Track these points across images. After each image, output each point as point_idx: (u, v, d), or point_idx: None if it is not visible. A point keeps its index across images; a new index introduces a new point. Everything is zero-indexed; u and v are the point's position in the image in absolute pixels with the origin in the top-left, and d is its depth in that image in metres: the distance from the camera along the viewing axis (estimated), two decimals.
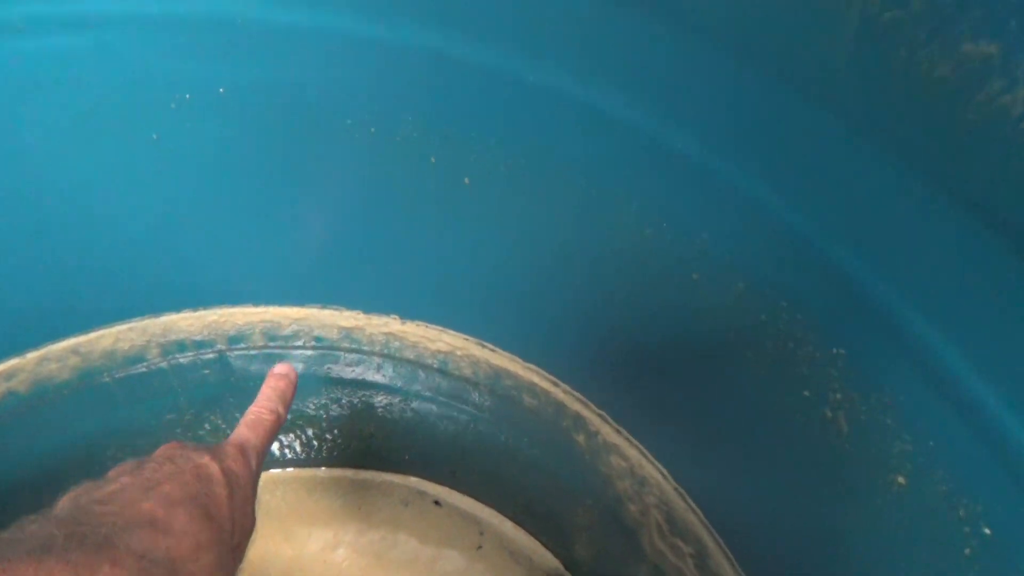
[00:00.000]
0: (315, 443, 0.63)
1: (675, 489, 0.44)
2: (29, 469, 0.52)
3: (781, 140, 0.27)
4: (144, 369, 0.49)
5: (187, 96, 0.34)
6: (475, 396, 0.54)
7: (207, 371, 0.51)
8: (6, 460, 0.50)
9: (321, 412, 0.60)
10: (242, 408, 0.58)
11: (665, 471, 0.44)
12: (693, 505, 0.44)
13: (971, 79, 0.22)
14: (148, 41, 0.30)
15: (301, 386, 0.58)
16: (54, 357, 0.45)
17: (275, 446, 0.62)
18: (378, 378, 0.56)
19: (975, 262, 0.24)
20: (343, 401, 0.59)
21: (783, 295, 0.30)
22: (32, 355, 0.45)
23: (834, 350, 0.29)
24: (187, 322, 0.48)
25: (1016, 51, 0.21)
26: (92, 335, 0.46)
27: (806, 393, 0.32)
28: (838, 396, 0.30)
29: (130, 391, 0.50)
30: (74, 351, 0.46)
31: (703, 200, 0.31)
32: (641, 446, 0.45)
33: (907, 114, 0.23)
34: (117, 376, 0.49)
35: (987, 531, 0.26)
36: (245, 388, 0.55)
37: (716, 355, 0.34)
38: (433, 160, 0.36)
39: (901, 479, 0.29)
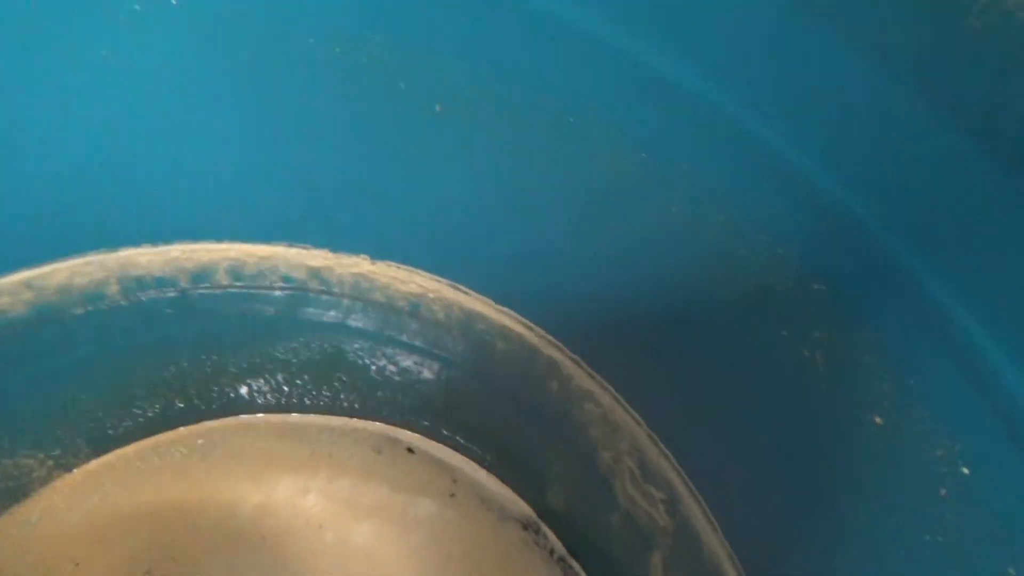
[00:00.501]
0: (285, 388, 0.62)
1: (648, 435, 0.44)
2: None
3: (764, 58, 0.26)
4: (103, 306, 0.48)
5: (136, 7, 0.31)
6: (448, 341, 0.52)
7: (169, 310, 0.49)
8: None
9: (291, 356, 0.58)
10: (206, 351, 0.56)
11: (639, 417, 0.43)
12: (666, 450, 0.43)
13: None
14: None
15: (269, 329, 0.56)
16: (5, 290, 0.43)
17: (244, 390, 0.61)
18: (348, 321, 0.54)
19: (967, 187, 0.22)
20: (313, 346, 0.58)
21: (764, 229, 0.29)
22: None
23: (815, 285, 0.28)
24: (146, 257, 0.46)
25: None
26: (46, 268, 0.44)
27: (784, 332, 0.31)
28: (817, 335, 0.29)
29: (89, 328, 0.49)
30: (27, 285, 0.44)
31: (684, 126, 0.29)
32: (615, 392, 0.44)
33: (905, 21, 0.21)
34: (75, 312, 0.47)
35: (965, 471, 0.25)
36: (209, 330, 0.54)
37: (693, 294, 0.33)
38: (403, 86, 0.34)
39: (878, 419, 0.28)
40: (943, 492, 0.26)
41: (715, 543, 0.42)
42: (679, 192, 0.31)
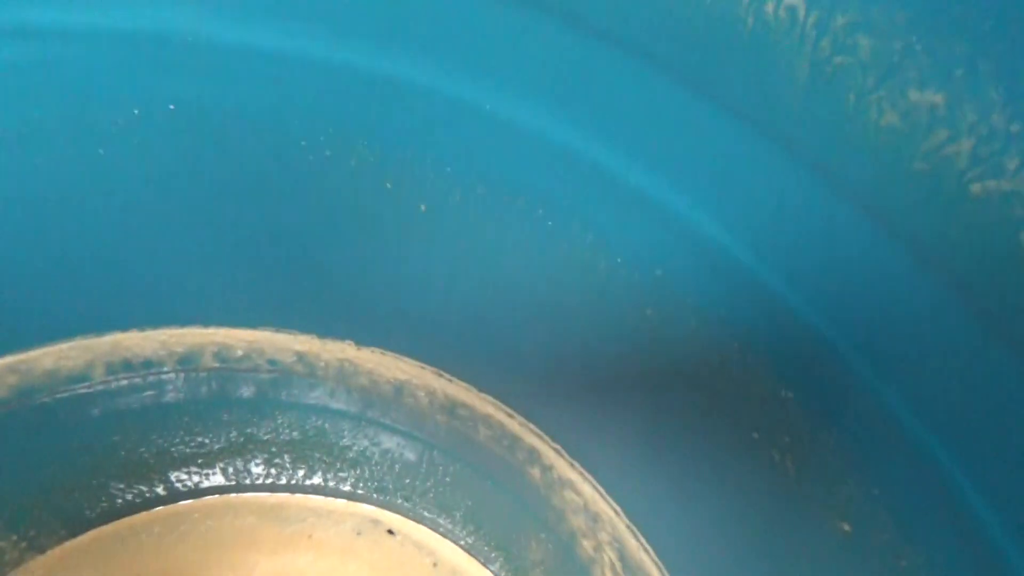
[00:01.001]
0: (265, 468, 0.61)
1: (627, 527, 0.44)
2: None
3: (736, 178, 0.27)
4: (88, 389, 0.48)
5: (135, 112, 0.33)
6: (430, 426, 0.53)
7: (154, 392, 0.50)
8: None
9: (272, 436, 0.58)
10: (190, 431, 0.56)
11: (618, 508, 0.44)
12: (645, 543, 0.43)
13: (918, 128, 0.22)
14: (95, 55, 0.30)
15: (253, 411, 0.56)
16: None
17: (226, 469, 0.61)
18: (332, 404, 0.55)
19: (922, 310, 0.23)
20: (296, 426, 0.58)
21: (735, 336, 0.30)
22: None
23: (783, 393, 0.29)
24: (133, 341, 0.46)
25: (961, 102, 0.21)
26: (33, 353, 0.44)
27: (755, 435, 0.31)
28: (786, 439, 0.30)
29: (72, 411, 0.49)
30: (12, 370, 0.44)
31: (657, 236, 0.30)
32: (595, 482, 0.44)
33: (858, 158, 0.23)
34: (59, 395, 0.47)
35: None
36: (195, 410, 0.54)
37: (669, 391, 0.34)
38: (389, 185, 0.36)
39: (847, 526, 0.28)
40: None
41: None
42: (652, 295, 0.32)
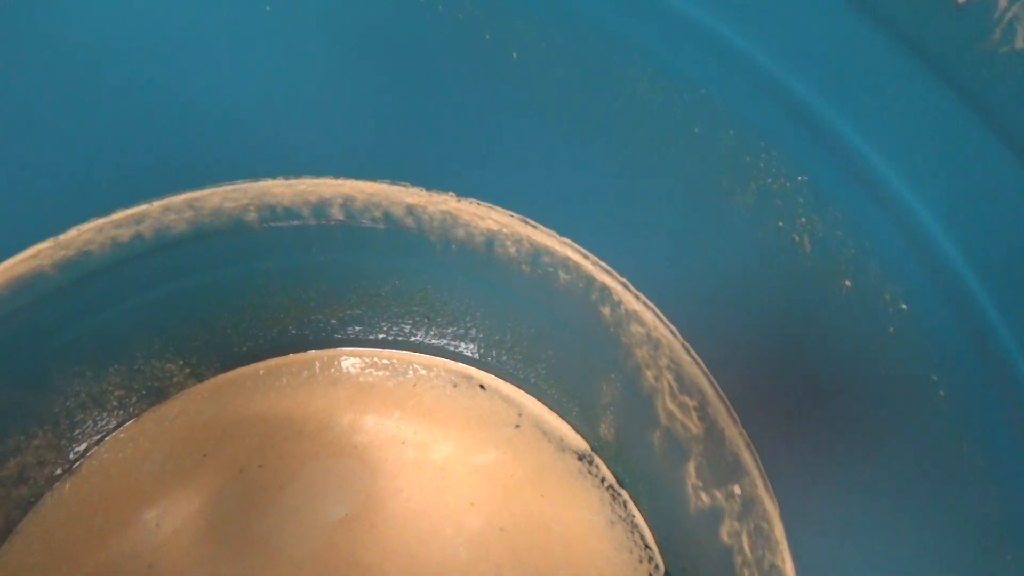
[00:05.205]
0: (378, 323, 0.72)
1: (682, 345, 0.51)
2: (145, 314, 0.62)
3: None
4: (244, 230, 0.59)
5: None
6: (517, 276, 0.61)
7: (293, 237, 0.61)
8: (124, 303, 0.61)
9: (385, 292, 0.69)
10: (318, 282, 0.67)
11: (674, 328, 0.51)
12: (696, 357, 0.50)
13: None
14: None
15: (371, 266, 0.67)
16: (174, 208, 0.55)
17: (343, 325, 0.72)
18: (435, 260, 0.64)
19: (909, 93, 0.30)
20: (404, 282, 0.68)
21: (761, 136, 0.37)
22: (157, 204, 0.55)
23: (800, 177, 0.36)
24: (280, 189, 0.57)
25: None
26: (205, 191, 0.55)
27: (780, 224, 0.38)
28: (803, 220, 0.37)
29: (231, 250, 0.60)
30: (190, 205, 0.56)
31: (700, 58, 0.37)
32: (655, 307, 0.52)
33: None
34: (223, 235, 0.59)
35: (904, 306, 0.32)
36: (323, 261, 0.65)
37: (710, 199, 0.41)
38: (488, 36, 0.44)
39: (847, 282, 0.35)
40: (891, 330, 0.33)
41: (736, 436, 0.49)
42: (699, 114, 0.39)
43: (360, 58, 0.48)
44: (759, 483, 0.47)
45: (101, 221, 0.54)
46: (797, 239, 0.38)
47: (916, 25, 0.28)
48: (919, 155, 0.31)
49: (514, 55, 0.45)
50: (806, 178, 0.36)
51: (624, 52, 0.41)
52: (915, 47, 0.29)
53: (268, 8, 0.45)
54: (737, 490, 0.49)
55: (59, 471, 0.65)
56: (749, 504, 0.48)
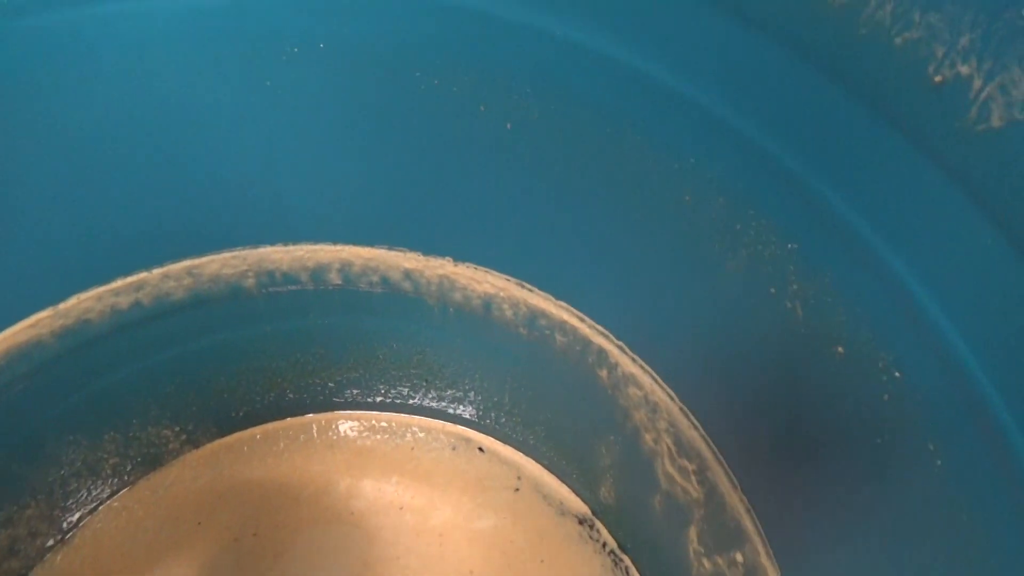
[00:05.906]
0: (375, 387, 0.72)
1: (680, 409, 0.51)
2: (142, 380, 0.62)
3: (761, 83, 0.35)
4: (242, 296, 0.59)
5: (295, 49, 0.44)
6: (514, 339, 0.62)
7: (291, 302, 0.61)
8: (122, 370, 0.61)
9: (382, 356, 0.69)
10: (316, 345, 0.67)
11: (671, 391, 0.51)
12: (694, 421, 0.50)
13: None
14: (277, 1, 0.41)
15: (368, 330, 0.67)
16: (173, 275, 0.56)
17: (341, 388, 0.72)
18: (433, 323, 0.64)
19: (894, 167, 0.31)
20: (402, 346, 0.68)
21: (750, 204, 0.38)
22: (156, 271, 0.55)
23: (789, 245, 0.36)
24: (278, 255, 0.57)
25: None
26: (205, 259, 0.56)
27: (772, 290, 0.39)
28: (794, 286, 0.37)
29: (229, 315, 0.60)
30: (189, 272, 0.56)
31: (689, 129, 0.38)
32: (652, 371, 0.52)
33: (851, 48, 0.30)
34: (222, 300, 0.59)
35: (897, 374, 0.32)
36: (321, 325, 0.65)
37: (702, 265, 0.42)
38: (482, 108, 0.45)
39: (840, 349, 0.35)
40: (885, 397, 0.33)
41: (736, 501, 0.48)
42: (688, 181, 0.40)
43: (357, 128, 0.49)
44: (761, 550, 0.46)
45: (100, 289, 0.55)
46: (789, 305, 0.38)
47: (898, 103, 0.29)
48: (906, 226, 0.32)
49: (508, 125, 0.46)
50: (796, 246, 0.36)
51: (615, 123, 0.42)
52: (898, 124, 0.29)
53: (268, 83, 0.46)
54: (739, 557, 0.48)
55: (51, 542, 0.64)
56: (752, 572, 0.47)
